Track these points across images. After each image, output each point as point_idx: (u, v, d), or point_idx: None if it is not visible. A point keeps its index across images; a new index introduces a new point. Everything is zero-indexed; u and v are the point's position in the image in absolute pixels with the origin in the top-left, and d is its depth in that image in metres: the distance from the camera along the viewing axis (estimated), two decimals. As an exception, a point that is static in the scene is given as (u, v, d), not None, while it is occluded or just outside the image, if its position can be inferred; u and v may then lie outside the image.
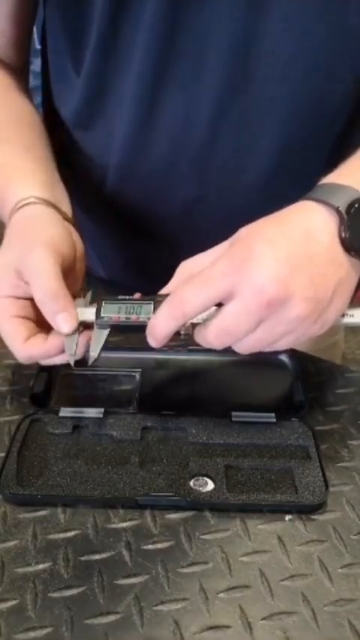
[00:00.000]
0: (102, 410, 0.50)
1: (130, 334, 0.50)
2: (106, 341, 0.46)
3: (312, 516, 0.43)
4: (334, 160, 0.60)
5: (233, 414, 0.50)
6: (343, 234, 0.41)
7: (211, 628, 0.36)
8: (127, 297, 0.46)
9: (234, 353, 0.58)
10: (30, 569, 0.39)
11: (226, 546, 0.41)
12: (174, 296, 0.42)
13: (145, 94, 0.54)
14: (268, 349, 0.43)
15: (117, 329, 0.46)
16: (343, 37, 0.50)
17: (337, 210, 0.42)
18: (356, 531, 0.42)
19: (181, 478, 0.45)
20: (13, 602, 0.37)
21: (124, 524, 0.42)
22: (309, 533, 0.42)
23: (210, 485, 0.44)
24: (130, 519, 0.43)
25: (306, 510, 0.43)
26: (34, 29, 0.65)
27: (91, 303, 0.47)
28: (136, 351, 0.58)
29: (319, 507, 0.43)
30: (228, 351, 0.57)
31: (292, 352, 0.58)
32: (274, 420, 0.50)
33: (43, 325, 0.46)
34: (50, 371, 0.55)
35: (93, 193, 0.66)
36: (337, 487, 0.45)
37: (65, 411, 0.50)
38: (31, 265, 0.45)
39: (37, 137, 0.58)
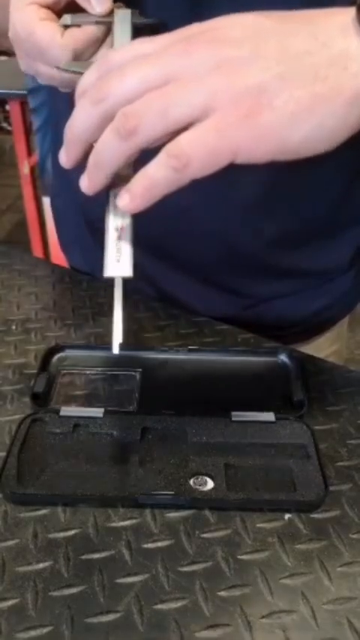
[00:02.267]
0: (102, 409, 0.50)
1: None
2: None
3: (311, 515, 0.43)
4: (329, 177, 0.60)
5: (233, 413, 0.50)
6: None
7: (210, 627, 0.36)
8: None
9: (234, 353, 0.59)
10: (30, 568, 0.39)
11: (225, 545, 0.41)
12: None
13: None
14: (183, 145, 0.33)
15: None
16: None
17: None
18: (355, 530, 0.42)
19: (181, 477, 0.45)
20: (14, 601, 0.38)
21: (124, 523, 0.42)
22: (308, 532, 0.42)
23: (210, 484, 0.44)
24: (130, 518, 0.43)
25: (305, 509, 0.43)
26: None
27: None
28: (136, 351, 0.58)
29: (318, 506, 0.43)
30: (225, 351, 0.58)
31: (292, 352, 0.58)
32: (274, 419, 0.50)
33: None
34: (51, 370, 0.55)
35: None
36: (336, 486, 0.45)
37: (66, 411, 0.50)
38: None
39: None
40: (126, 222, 0.39)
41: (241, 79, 0.32)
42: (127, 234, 0.39)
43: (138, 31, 0.44)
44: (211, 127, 0.32)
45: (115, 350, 0.40)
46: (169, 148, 0.33)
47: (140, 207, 0.35)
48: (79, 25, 0.44)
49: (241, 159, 0.33)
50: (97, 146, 0.35)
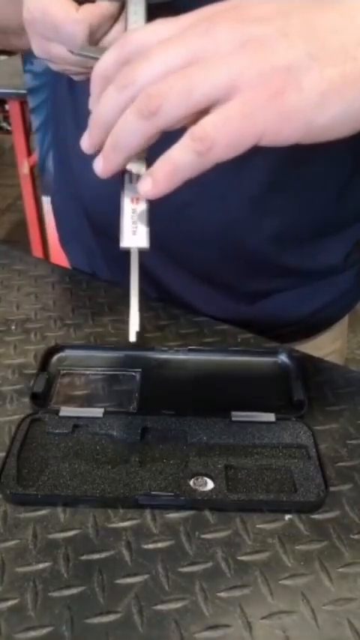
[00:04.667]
0: (102, 410, 0.50)
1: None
2: None
3: (312, 516, 0.43)
4: (332, 177, 0.60)
5: (233, 413, 0.50)
6: None
7: (210, 627, 0.36)
8: None
9: (234, 353, 0.59)
10: (30, 568, 0.39)
11: (225, 546, 0.41)
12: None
13: None
14: (207, 128, 0.32)
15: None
16: None
17: None
18: (356, 531, 0.42)
19: (181, 478, 0.45)
20: (14, 602, 0.37)
21: (124, 524, 0.42)
22: (308, 533, 0.42)
23: (210, 485, 0.44)
24: (130, 519, 0.43)
25: (305, 510, 0.43)
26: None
27: None
28: (136, 351, 0.58)
29: (318, 507, 0.43)
30: (225, 351, 0.58)
31: (292, 352, 0.58)
32: (274, 419, 0.50)
33: None
34: (50, 371, 0.55)
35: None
36: (336, 487, 0.45)
37: (65, 411, 0.50)
38: None
39: None
40: (141, 197, 0.39)
41: (267, 58, 0.31)
42: (143, 207, 0.39)
43: (151, 8, 0.44)
44: (236, 108, 0.31)
45: (132, 338, 0.39)
46: (193, 130, 0.32)
47: (163, 192, 0.34)
48: (93, 1, 0.44)
49: (266, 141, 0.33)
50: (117, 127, 0.34)
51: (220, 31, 0.32)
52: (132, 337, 0.39)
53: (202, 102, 0.32)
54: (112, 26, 0.45)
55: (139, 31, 0.36)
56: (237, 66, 0.31)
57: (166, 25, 0.35)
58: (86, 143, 0.37)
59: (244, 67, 0.31)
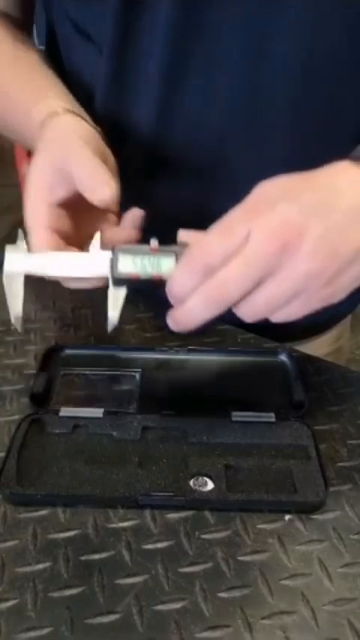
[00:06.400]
0: (102, 410, 0.50)
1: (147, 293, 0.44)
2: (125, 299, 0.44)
3: (312, 516, 0.43)
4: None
5: (233, 413, 0.50)
6: None
7: (210, 627, 0.36)
8: (144, 245, 0.43)
9: (234, 353, 0.58)
10: (30, 568, 0.39)
11: (225, 546, 0.41)
12: (193, 247, 0.40)
13: (158, 99, 0.55)
14: (276, 316, 0.40)
15: (133, 285, 0.43)
16: (357, 38, 0.50)
17: None
18: (356, 531, 0.42)
19: (181, 478, 0.45)
20: (14, 602, 0.37)
21: (124, 524, 0.42)
22: (309, 533, 0.42)
23: (210, 485, 0.44)
24: (130, 519, 0.43)
25: (305, 510, 0.43)
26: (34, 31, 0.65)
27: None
28: (136, 351, 0.58)
29: (318, 507, 0.43)
30: (225, 351, 0.58)
31: (292, 352, 0.58)
32: (274, 419, 0.50)
33: (73, 242, 0.46)
34: (50, 371, 0.55)
35: None
36: (336, 487, 0.45)
37: (65, 411, 0.50)
38: (72, 150, 0.45)
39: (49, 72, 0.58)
40: None
41: (326, 291, 0.40)
42: None
43: None
44: (298, 308, 0.40)
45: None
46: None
47: None
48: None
49: None
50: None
51: (286, 263, 0.38)
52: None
53: None
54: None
55: (205, 247, 0.40)
56: (302, 286, 0.39)
57: (226, 240, 0.39)
58: (175, 329, 0.42)
59: (308, 288, 0.39)
